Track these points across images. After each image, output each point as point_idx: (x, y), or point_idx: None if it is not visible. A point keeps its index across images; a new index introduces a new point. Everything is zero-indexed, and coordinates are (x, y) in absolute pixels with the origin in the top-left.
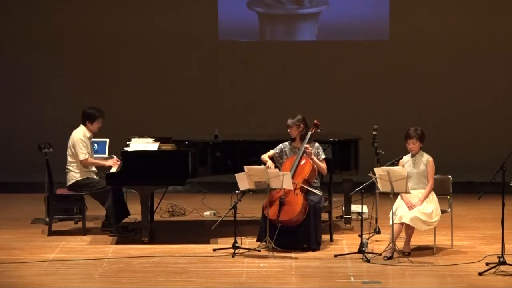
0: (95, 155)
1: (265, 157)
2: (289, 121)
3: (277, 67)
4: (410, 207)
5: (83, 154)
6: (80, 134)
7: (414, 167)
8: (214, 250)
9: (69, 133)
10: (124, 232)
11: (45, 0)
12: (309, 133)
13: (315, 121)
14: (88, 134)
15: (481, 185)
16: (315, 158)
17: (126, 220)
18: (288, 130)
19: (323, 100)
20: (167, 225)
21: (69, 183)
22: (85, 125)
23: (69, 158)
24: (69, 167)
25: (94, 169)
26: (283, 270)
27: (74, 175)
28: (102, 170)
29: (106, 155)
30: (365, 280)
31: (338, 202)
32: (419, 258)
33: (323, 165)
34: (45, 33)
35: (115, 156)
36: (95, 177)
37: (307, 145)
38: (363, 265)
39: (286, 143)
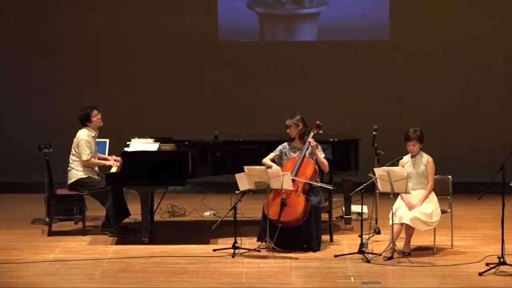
0: None
1: (267, 161)
2: (288, 121)
3: (277, 67)
4: (410, 207)
5: (86, 154)
6: (84, 135)
7: (414, 167)
8: (214, 250)
9: (69, 133)
10: (124, 233)
11: (45, 1)
12: (312, 134)
13: (318, 121)
14: (93, 133)
15: (481, 185)
16: (318, 153)
17: (126, 220)
18: (287, 130)
19: (323, 100)
20: (167, 225)
21: (70, 181)
22: (86, 126)
23: (72, 157)
24: (71, 165)
25: (96, 169)
26: (283, 270)
27: (76, 173)
28: (103, 170)
29: (106, 155)
30: (365, 280)
31: (338, 202)
32: (419, 258)
33: (326, 162)
34: (45, 33)
35: (114, 156)
36: (96, 177)
37: (312, 139)
38: (363, 265)
39: (285, 143)
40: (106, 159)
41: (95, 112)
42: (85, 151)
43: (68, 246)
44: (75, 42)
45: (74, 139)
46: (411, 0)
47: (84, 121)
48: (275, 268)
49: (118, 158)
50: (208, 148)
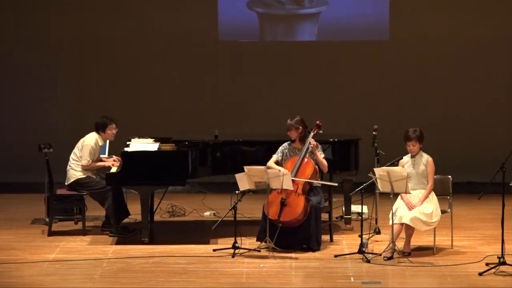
0: None
1: (273, 165)
2: (289, 123)
3: (277, 67)
4: (410, 207)
5: (86, 160)
6: (92, 141)
7: (414, 167)
8: (214, 250)
9: (69, 133)
10: (125, 233)
11: (46, 1)
12: (311, 134)
13: (317, 122)
14: (101, 143)
15: (481, 185)
16: (318, 153)
17: (126, 220)
18: (288, 133)
19: (323, 100)
20: (167, 225)
21: (69, 182)
22: (98, 133)
23: (73, 156)
24: (70, 165)
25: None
26: (283, 270)
27: (75, 173)
28: (103, 170)
29: (106, 156)
30: (365, 280)
31: (338, 202)
32: (419, 258)
33: (325, 162)
34: (45, 33)
35: (114, 156)
36: (95, 177)
37: (312, 139)
38: (363, 265)
39: (286, 144)
40: (104, 161)
41: (113, 125)
42: (87, 157)
43: (68, 246)
44: (75, 42)
45: (81, 140)
46: (411, 0)
47: (99, 129)
48: (275, 268)
49: (118, 158)
50: (208, 148)
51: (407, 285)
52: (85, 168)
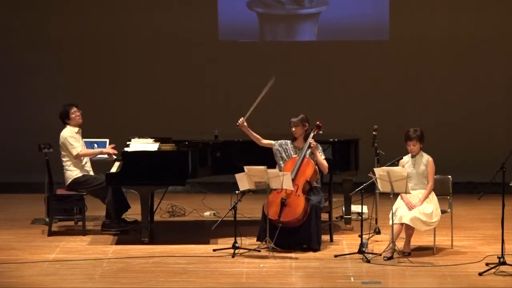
0: None
1: (257, 139)
2: (294, 120)
3: (277, 67)
4: (410, 207)
5: (75, 149)
6: (67, 132)
7: (414, 167)
8: (214, 250)
9: None
10: (127, 225)
11: (46, 1)
12: (312, 134)
13: (318, 122)
14: (76, 129)
15: (481, 185)
16: (318, 154)
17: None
18: (293, 129)
19: (323, 100)
20: (167, 225)
21: (67, 183)
22: (67, 124)
23: (63, 159)
24: (64, 166)
25: (89, 166)
26: (283, 270)
27: (71, 173)
28: (104, 170)
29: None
30: (365, 280)
31: (338, 202)
32: (419, 258)
33: (325, 163)
34: (45, 33)
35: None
36: (92, 173)
37: (312, 140)
38: (363, 265)
39: (288, 141)
40: (101, 152)
41: (74, 109)
42: (73, 145)
43: (68, 246)
44: (75, 42)
45: (59, 141)
46: (411, 0)
47: (64, 118)
48: (275, 268)
49: (113, 145)
50: (208, 148)
51: (407, 285)
52: (81, 156)
